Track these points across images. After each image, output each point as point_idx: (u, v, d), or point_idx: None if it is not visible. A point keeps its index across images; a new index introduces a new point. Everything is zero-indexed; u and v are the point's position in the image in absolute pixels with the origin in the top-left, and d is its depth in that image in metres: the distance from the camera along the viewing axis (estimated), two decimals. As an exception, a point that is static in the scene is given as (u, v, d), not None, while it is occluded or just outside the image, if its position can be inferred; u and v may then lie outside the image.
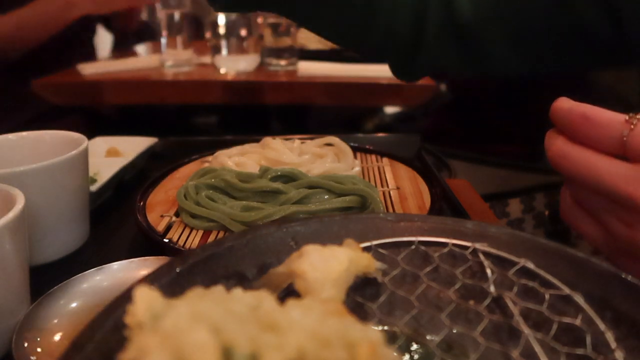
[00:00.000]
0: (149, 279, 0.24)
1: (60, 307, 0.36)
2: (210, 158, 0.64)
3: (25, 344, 0.32)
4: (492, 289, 0.27)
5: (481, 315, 0.26)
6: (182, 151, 0.69)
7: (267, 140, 0.61)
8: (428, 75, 1.08)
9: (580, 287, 0.25)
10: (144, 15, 1.71)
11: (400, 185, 0.57)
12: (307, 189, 0.50)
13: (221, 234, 0.48)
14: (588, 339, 0.23)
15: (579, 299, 0.25)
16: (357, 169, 0.58)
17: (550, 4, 0.51)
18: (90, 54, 1.44)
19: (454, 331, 0.26)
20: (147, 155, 0.71)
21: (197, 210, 0.48)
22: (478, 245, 0.28)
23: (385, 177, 0.59)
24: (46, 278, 0.43)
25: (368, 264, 0.26)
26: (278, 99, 1.14)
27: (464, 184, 0.66)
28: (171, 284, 0.24)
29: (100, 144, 0.70)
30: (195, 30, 1.46)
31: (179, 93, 1.15)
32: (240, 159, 0.58)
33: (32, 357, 0.31)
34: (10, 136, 0.50)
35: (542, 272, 0.26)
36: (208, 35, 1.30)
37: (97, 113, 1.34)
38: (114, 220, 0.56)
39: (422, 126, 1.43)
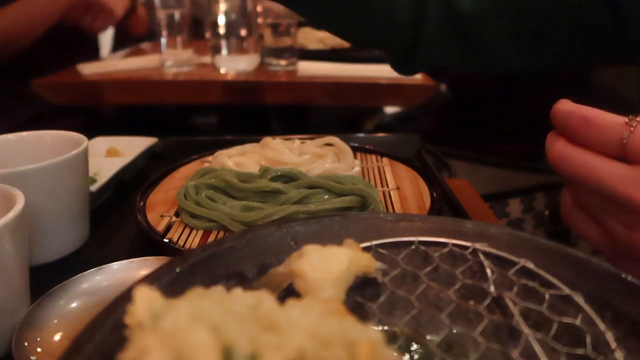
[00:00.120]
0: (149, 279, 0.24)
1: (60, 307, 0.36)
2: (210, 158, 0.64)
3: (25, 344, 0.32)
4: (492, 289, 0.27)
5: (481, 315, 0.26)
6: (182, 151, 0.69)
7: (267, 140, 0.61)
8: (427, 72, 1.08)
9: (580, 287, 0.25)
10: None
11: (400, 185, 0.57)
12: (307, 189, 0.50)
13: (221, 234, 0.48)
14: (588, 339, 0.23)
15: (579, 299, 0.25)
16: (357, 169, 0.58)
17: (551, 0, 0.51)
18: (91, 54, 1.44)
19: (454, 331, 0.26)
20: (147, 155, 0.71)
21: (197, 210, 0.48)
22: (478, 245, 0.28)
23: (385, 177, 0.59)
24: (46, 278, 0.43)
25: (368, 264, 0.26)
26: (278, 99, 1.14)
27: (464, 184, 0.66)
28: (171, 284, 0.24)
29: (100, 144, 0.70)
30: (195, 30, 1.46)
31: (179, 93, 1.15)
32: (240, 159, 0.58)
33: (32, 357, 0.31)
34: (10, 136, 0.50)
35: (542, 272, 0.26)
36: (208, 35, 1.30)
37: (97, 113, 1.34)
38: (114, 220, 0.56)
39: (422, 126, 1.43)
